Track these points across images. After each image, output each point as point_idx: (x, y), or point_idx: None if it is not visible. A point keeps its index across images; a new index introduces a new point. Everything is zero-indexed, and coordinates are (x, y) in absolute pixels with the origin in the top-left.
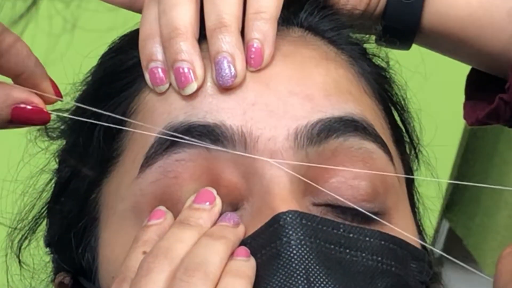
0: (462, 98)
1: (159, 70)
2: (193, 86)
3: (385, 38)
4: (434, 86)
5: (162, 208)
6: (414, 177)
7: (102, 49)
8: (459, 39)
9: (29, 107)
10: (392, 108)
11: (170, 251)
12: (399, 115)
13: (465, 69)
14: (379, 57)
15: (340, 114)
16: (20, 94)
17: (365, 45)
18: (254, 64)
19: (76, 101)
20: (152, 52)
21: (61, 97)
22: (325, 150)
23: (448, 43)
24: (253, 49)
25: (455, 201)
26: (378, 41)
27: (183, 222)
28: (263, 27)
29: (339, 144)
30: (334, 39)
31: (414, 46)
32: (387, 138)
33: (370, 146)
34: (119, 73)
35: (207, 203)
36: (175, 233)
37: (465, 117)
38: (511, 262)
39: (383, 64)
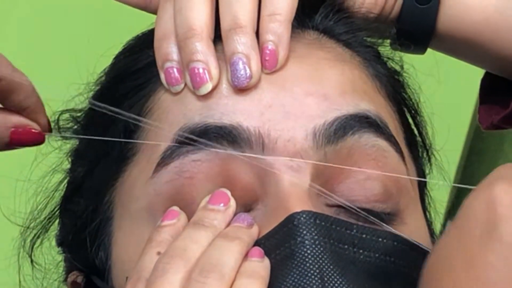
0: (470, 100)
1: (175, 70)
2: (208, 87)
3: (400, 41)
4: (448, 90)
5: (176, 208)
6: (422, 179)
7: (117, 49)
8: (474, 43)
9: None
10: (406, 111)
11: (186, 252)
12: (412, 119)
13: (479, 72)
14: (393, 60)
15: (355, 111)
16: (18, 119)
17: (379, 48)
18: (269, 66)
19: (89, 101)
20: (167, 52)
21: (51, 131)
22: (342, 149)
23: (463, 47)
24: (268, 51)
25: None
26: (393, 45)
27: (197, 222)
28: (277, 29)
29: (355, 142)
30: (349, 42)
31: (428, 49)
32: (400, 140)
33: (383, 144)
34: (134, 73)
35: (222, 205)
36: (190, 234)
37: (479, 121)
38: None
39: (397, 67)
